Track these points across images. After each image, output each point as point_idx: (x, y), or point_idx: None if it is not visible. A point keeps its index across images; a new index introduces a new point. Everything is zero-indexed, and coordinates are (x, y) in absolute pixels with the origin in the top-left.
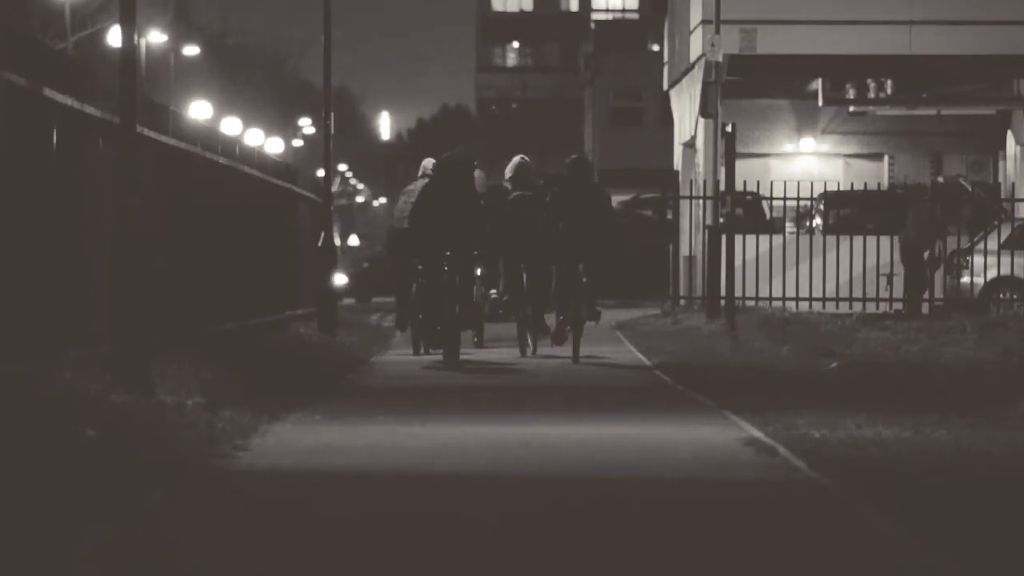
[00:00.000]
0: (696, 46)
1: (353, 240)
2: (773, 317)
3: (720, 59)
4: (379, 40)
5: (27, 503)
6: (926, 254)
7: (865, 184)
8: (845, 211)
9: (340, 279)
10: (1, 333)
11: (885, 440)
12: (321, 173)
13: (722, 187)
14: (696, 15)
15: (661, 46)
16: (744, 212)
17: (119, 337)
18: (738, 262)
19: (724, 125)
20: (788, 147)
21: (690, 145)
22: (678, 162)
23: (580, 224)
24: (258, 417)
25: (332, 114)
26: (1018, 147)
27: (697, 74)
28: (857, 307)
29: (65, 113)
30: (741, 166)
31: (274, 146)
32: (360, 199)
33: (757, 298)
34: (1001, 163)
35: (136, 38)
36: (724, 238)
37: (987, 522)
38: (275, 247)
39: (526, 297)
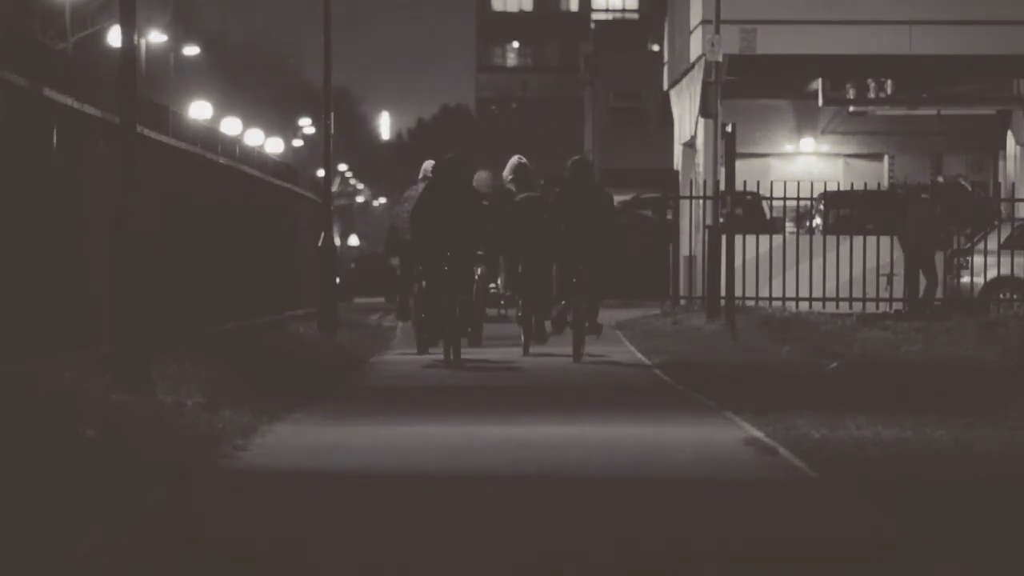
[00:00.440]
0: (696, 46)
1: (353, 240)
2: (773, 317)
3: (720, 59)
4: (379, 40)
5: (27, 503)
6: (938, 255)
7: (865, 184)
8: (845, 211)
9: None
10: (1, 333)
11: (885, 440)
12: (321, 173)
13: (722, 187)
14: (696, 15)
15: (661, 46)
16: (744, 212)
17: (119, 337)
18: (738, 262)
19: (724, 125)
20: (788, 147)
21: (690, 145)
22: (678, 162)
23: (582, 226)
24: (258, 417)
25: (332, 114)
26: (1018, 147)
27: (697, 74)
28: (857, 307)
29: (65, 113)
30: (741, 166)
31: (274, 146)
32: (360, 199)
33: (757, 298)
34: (1001, 163)
35: (136, 38)
36: (724, 238)
37: (987, 521)
38: (275, 247)
39: (527, 305)
